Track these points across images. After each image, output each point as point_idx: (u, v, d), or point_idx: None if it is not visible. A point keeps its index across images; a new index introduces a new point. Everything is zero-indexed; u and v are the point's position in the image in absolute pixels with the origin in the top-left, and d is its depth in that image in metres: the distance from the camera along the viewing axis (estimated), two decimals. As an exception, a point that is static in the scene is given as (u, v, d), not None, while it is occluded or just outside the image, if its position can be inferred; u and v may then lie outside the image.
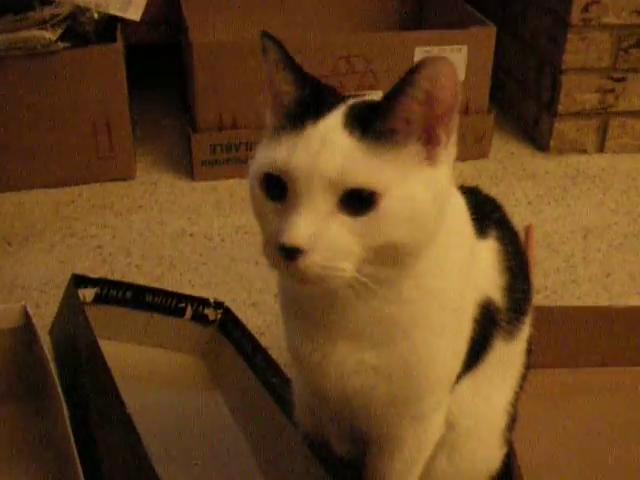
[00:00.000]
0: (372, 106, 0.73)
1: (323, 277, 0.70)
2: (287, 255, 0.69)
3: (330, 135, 0.70)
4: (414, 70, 0.69)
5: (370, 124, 0.71)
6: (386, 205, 0.69)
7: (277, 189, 0.71)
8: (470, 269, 0.84)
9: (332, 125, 0.71)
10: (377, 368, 0.81)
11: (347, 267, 0.70)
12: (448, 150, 0.73)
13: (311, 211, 0.69)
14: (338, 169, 0.68)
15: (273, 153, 0.72)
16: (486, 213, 0.90)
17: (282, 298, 0.86)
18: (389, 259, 0.72)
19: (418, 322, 0.79)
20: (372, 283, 0.72)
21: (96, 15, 1.87)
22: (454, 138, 0.74)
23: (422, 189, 0.71)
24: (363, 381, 0.82)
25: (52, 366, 1.13)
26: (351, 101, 0.75)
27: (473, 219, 0.86)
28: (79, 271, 1.30)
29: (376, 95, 0.77)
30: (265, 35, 0.76)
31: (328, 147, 0.69)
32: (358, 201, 0.69)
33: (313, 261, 0.69)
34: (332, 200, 0.69)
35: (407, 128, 0.71)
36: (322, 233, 0.69)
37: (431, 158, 0.72)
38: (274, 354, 1.28)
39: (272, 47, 0.75)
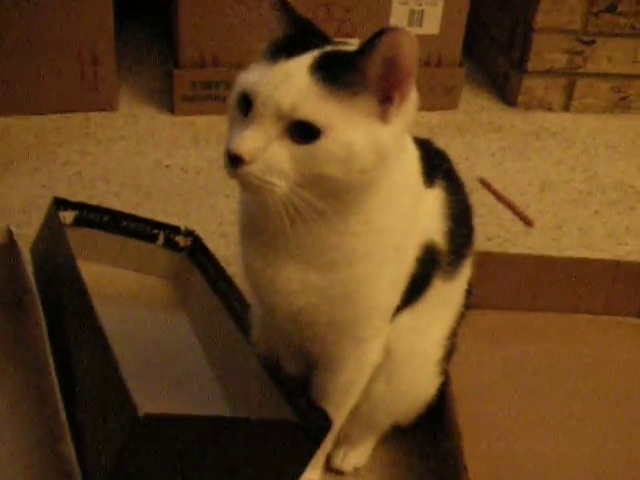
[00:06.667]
0: (341, 56, 0.82)
1: (258, 187, 0.81)
2: (231, 161, 0.80)
3: (293, 72, 0.80)
4: (377, 36, 0.78)
5: (332, 72, 0.80)
6: (324, 142, 0.79)
7: (246, 106, 0.82)
8: (415, 213, 0.93)
9: (299, 65, 0.81)
10: (320, 289, 0.90)
11: (280, 184, 0.80)
12: (402, 111, 0.81)
13: (260, 130, 0.79)
14: (290, 101, 0.78)
15: (249, 75, 0.83)
16: (435, 164, 0.98)
17: (241, 219, 0.95)
18: (324, 190, 0.81)
19: (361, 254, 0.89)
20: (307, 208, 0.82)
21: (85, -53, 1.91)
22: (410, 102, 0.82)
23: (362, 138, 0.79)
24: (307, 300, 0.91)
25: (32, 281, 1.21)
26: (329, 48, 0.84)
27: (423, 169, 0.95)
28: (60, 195, 1.36)
29: (355, 44, 0.86)
30: None
31: (288, 81, 0.79)
32: (303, 132, 0.79)
33: (250, 171, 0.80)
34: (281, 126, 0.79)
35: (364, 84, 0.80)
36: (264, 150, 0.79)
37: (383, 115, 0.81)
38: (238, 282, 1.33)
39: None
